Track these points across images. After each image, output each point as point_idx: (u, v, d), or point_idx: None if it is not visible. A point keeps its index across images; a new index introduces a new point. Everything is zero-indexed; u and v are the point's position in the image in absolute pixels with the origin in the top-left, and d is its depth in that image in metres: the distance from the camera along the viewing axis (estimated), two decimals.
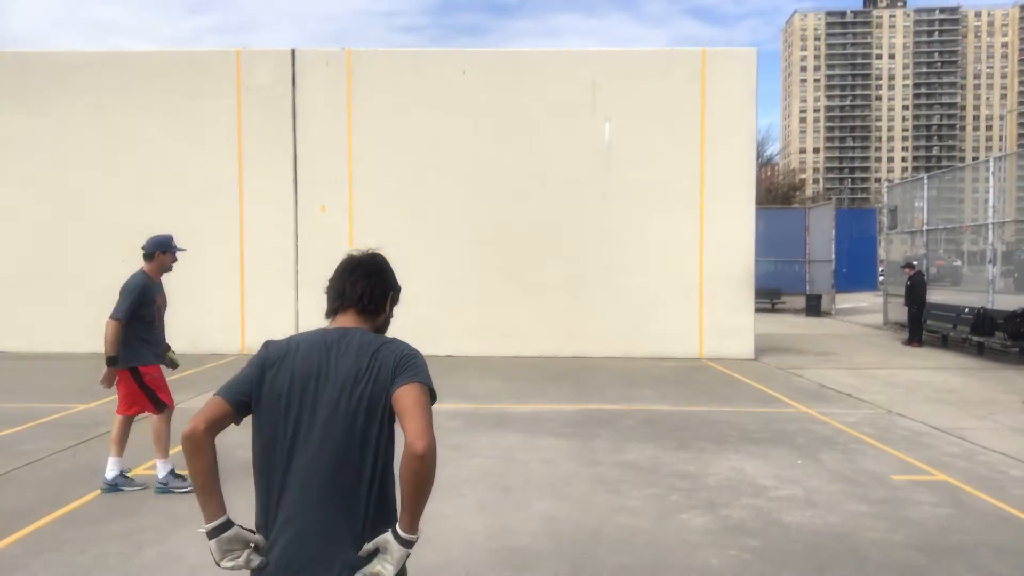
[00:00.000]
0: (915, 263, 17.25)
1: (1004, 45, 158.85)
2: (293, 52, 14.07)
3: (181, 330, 14.03)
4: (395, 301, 2.38)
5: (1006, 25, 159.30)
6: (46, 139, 14.16)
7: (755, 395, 10.08)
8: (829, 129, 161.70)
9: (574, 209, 13.82)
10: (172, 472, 5.76)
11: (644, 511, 5.39)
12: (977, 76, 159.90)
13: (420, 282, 13.92)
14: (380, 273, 2.30)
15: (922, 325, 15.93)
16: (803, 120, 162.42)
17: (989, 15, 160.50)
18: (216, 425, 2.09)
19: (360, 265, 2.28)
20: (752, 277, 13.86)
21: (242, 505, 5.10)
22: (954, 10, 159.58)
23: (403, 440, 1.97)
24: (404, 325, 12.97)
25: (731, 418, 8.58)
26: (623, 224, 13.81)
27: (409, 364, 2.12)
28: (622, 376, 11.55)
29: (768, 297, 23.87)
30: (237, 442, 7.40)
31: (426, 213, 13.93)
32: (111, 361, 5.64)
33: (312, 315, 13.21)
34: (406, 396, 2.04)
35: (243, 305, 13.96)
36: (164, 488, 5.71)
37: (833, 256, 23.11)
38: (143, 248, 6.08)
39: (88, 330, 14.01)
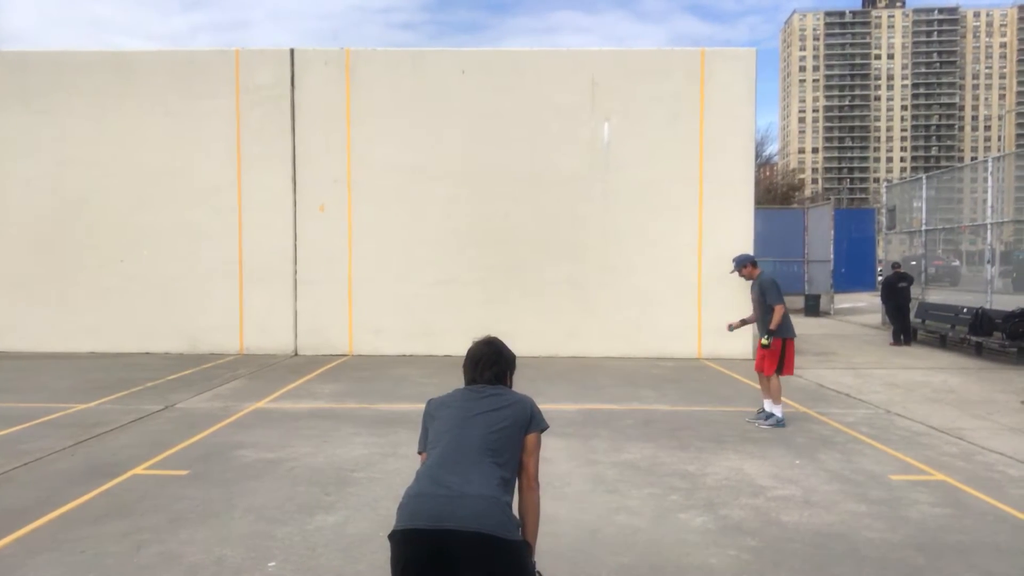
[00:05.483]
0: (898, 263, 17.34)
1: (1003, 45, 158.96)
2: (292, 52, 14.07)
3: (180, 330, 14.13)
4: (513, 373, 3.03)
5: (1005, 25, 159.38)
6: (46, 139, 14.17)
7: (754, 395, 10.06)
8: (828, 129, 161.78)
9: (574, 209, 13.83)
10: (782, 415, 8.06)
11: (643, 511, 5.39)
12: (976, 76, 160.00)
13: (420, 282, 13.96)
14: (500, 362, 2.93)
15: (904, 325, 15.91)
16: (802, 120, 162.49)
17: (988, 15, 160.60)
18: None
19: (484, 357, 2.91)
20: None
21: (244, 505, 5.10)
22: (953, 10, 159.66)
23: None
24: (405, 325, 12.97)
25: (730, 418, 8.59)
26: (623, 224, 13.83)
27: None
28: (621, 376, 11.56)
29: None
30: (238, 442, 7.38)
31: (426, 213, 13.94)
32: (774, 334, 8.01)
33: (310, 315, 13.21)
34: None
35: (242, 305, 13.96)
36: (778, 423, 7.99)
37: (832, 256, 23.13)
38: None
39: (88, 330, 14.13)
